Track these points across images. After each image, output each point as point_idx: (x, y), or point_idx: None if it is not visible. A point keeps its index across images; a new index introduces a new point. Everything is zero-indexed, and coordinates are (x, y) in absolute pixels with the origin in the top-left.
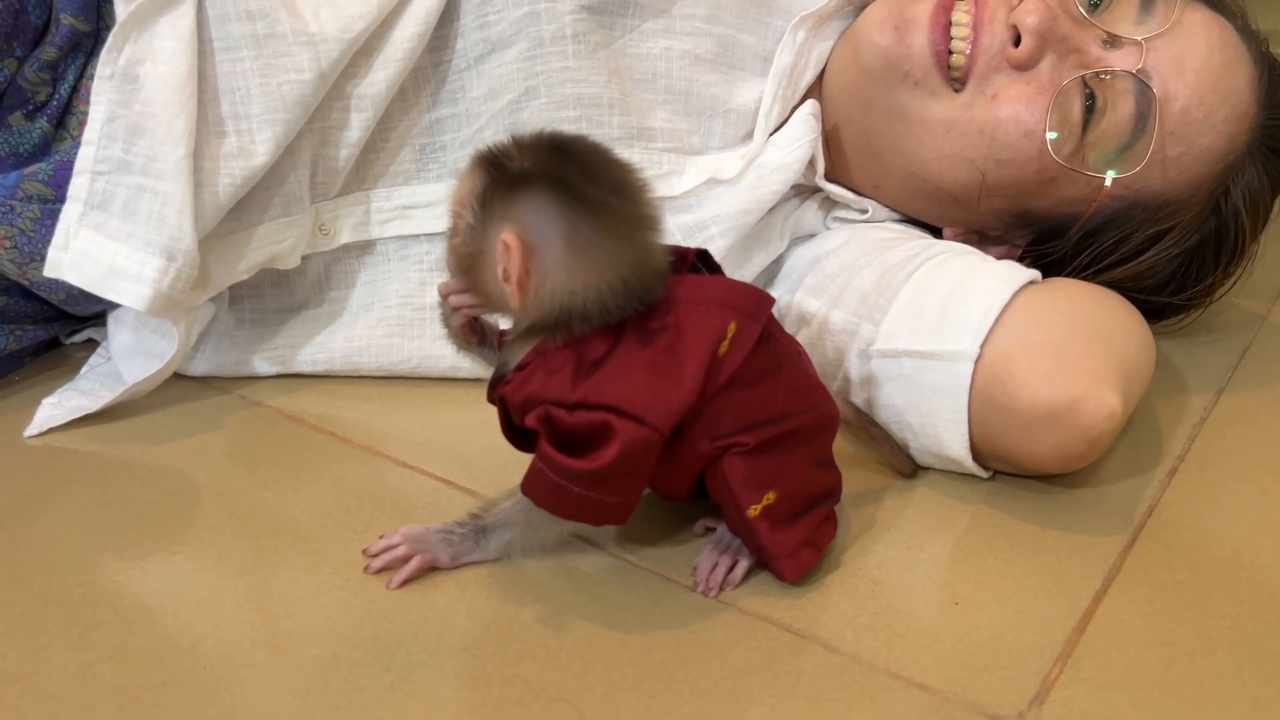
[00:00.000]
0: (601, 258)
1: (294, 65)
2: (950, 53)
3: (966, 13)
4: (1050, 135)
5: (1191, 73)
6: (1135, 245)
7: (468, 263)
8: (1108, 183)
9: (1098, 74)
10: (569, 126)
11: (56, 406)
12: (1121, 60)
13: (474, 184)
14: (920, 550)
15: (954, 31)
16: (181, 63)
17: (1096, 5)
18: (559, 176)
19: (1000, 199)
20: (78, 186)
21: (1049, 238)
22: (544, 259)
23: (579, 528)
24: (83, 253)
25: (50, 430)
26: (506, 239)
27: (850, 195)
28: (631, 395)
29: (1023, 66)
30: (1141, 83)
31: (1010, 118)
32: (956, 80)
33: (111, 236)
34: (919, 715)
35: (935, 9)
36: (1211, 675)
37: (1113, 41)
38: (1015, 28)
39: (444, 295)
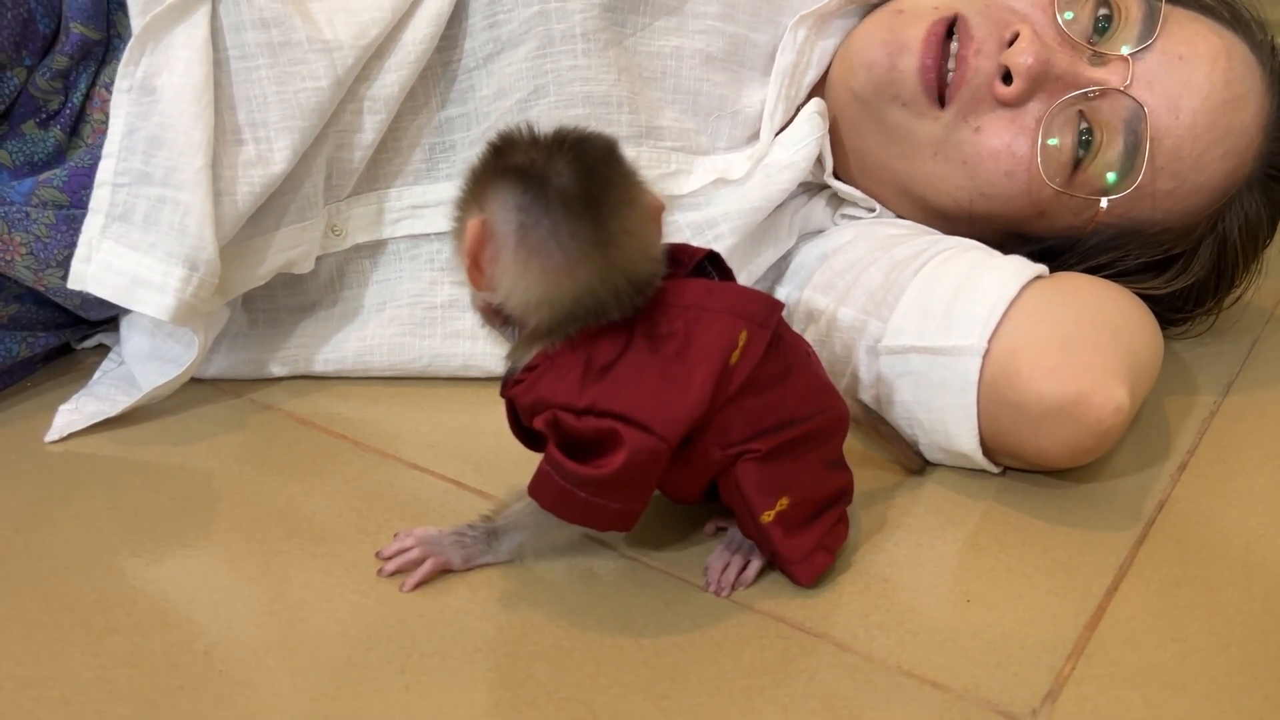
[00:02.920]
0: (547, 267)
1: (310, 73)
2: (940, 79)
3: (956, 40)
4: (1040, 165)
5: (1187, 111)
6: (1131, 268)
7: (454, 241)
8: (1103, 204)
9: (1085, 94)
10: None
11: (74, 412)
12: (1109, 77)
13: (476, 163)
14: (931, 548)
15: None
16: (197, 73)
17: (1101, 31)
18: (537, 177)
19: (990, 223)
20: (99, 199)
21: (1046, 256)
22: (501, 253)
23: (590, 529)
24: (106, 264)
25: (70, 436)
26: (472, 222)
27: (858, 194)
28: (640, 403)
29: (1010, 105)
30: (1132, 101)
31: (991, 156)
32: (941, 98)
33: (134, 247)
34: (932, 713)
35: (926, 35)
36: (1224, 671)
37: (1100, 59)
38: (1006, 66)
39: None
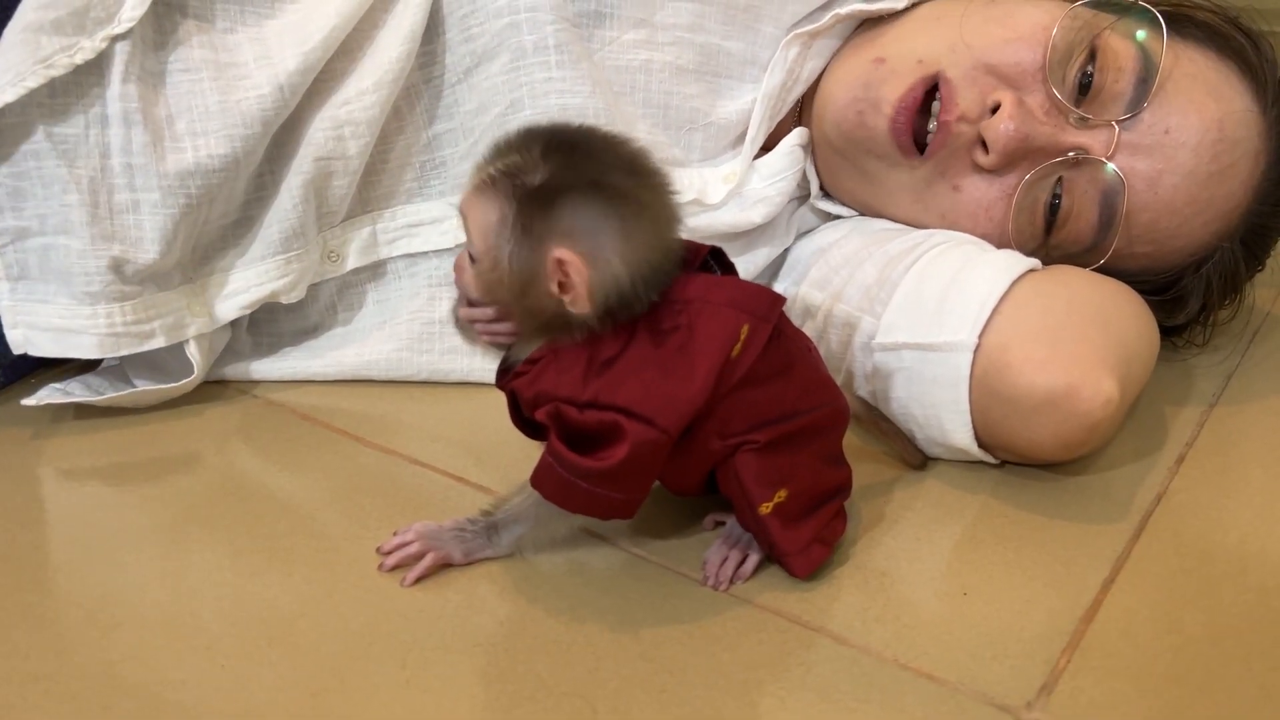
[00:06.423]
0: (650, 243)
1: (253, 84)
2: (914, 132)
3: (938, 100)
4: (1012, 233)
5: (1167, 188)
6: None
7: (516, 290)
8: None
9: (1065, 160)
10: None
11: (60, 390)
12: (1092, 143)
13: (501, 211)
14: (928, 542)
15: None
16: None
17: (1084, 95)
18: (591, 180)
19: None
20: None
21: None
22: (603, 263)
23: (589, 522)
24: (30, 324)
25: (47, 404)
26: (563, 256)
27: (845, 210)
28: (642, 397)
29: (989, 173)
30: (1112, 171)
31: (969, 217)
32: (919, 145)
33: (44, 300)
34: (928, 706)
35: (899, 101)
36: (1220, 663)
37: (1085, 123)
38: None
39: (472, 323)
